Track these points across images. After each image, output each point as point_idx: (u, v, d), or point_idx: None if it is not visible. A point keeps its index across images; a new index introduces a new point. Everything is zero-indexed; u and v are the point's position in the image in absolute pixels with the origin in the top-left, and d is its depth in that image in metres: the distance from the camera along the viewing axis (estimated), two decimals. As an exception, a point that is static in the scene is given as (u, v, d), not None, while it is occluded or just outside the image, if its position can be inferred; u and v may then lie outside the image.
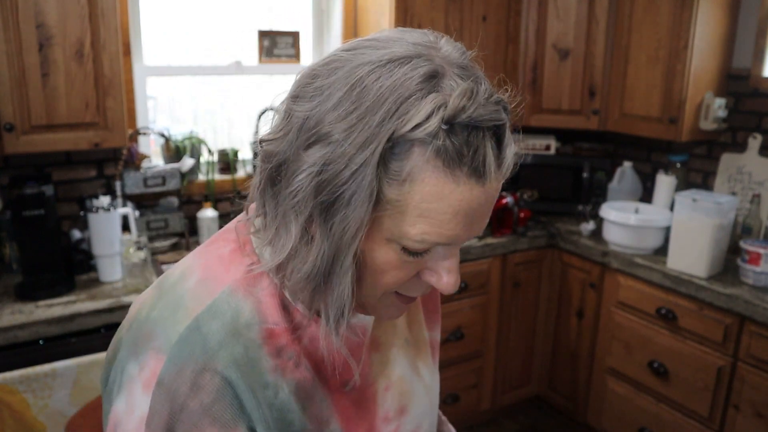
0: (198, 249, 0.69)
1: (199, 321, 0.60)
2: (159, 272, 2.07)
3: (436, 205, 0.53)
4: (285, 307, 0.64)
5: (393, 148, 0.52)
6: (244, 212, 0.68)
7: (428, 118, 0.51)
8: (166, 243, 2.32)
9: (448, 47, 0.57)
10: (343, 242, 0.55)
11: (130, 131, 2.23)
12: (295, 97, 0.57)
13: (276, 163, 0.58)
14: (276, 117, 0.60)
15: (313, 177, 0.54)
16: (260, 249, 0.65)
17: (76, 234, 2.12)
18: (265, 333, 0.62)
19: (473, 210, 0.55)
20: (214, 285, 0.63)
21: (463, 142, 0.52)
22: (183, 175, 2.38)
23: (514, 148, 0.57)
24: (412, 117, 0.51)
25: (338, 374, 0.68)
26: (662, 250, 2.36)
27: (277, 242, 0.60)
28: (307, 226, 0.57)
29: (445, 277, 0.59)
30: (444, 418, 1.00)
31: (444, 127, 0.51)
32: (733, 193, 2.46)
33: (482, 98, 0.53)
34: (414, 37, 0.57)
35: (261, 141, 0.60)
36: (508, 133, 0.56)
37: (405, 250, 0.56)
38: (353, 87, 0.53)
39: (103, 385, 0.65)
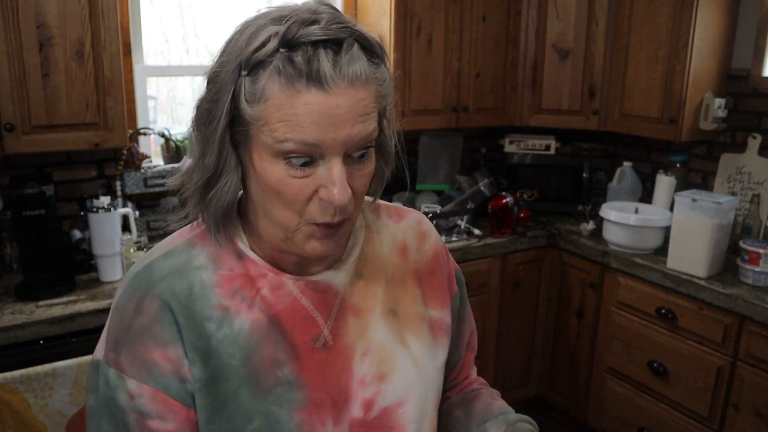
0: None
1: (153, 262, 0.74)
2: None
3: (288, 110, 0.62)
4: (239, 257, 0.74)
5: (249, 75, 0.63)
6: None
7: (264, 44, 0.62)
8: (166, 243, 2.32)
9: (311, 1, 0.67)
10: (208, 151, 0.67)
11: (130, 131, 2.24)
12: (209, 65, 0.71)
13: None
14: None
15: (204, 108, 0.67)
16: None
17: (77, 234, 2.12)
18: (219, 277, 0.73)
19: (325, 114, 0.62)
20: (177, 239, 0.77)
21: (300, 57, 0.61)
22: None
23: (363, 63, 0.64)
24: (253, 44, 0.62)
25: (300, 326, 0.74)
26: (662, 250, 2.36)
27: (184, 166, 0.73)
28: (199, 149, 0.69)
29: (332, 189, 0.64)
30: (493, 395, 0.98)
31: (282, 50, 0.62)
32: (733, 193, 2.46)
33: (322, 23, 0.62)
34: (285, 4, 0.68)
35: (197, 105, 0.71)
36: (350, 49, 0.63)
37: (288, 163, 0.64)
38: (228, 43, 0.67)
39: None
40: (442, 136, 2.89)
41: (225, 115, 0.64)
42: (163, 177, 2.28)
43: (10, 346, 1.68)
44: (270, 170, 0.65)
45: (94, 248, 1.95)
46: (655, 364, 2.25)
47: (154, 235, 2.31)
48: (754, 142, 2.40)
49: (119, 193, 2.21)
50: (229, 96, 0.64)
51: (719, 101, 2.36)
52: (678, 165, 2.62)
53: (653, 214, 2.46)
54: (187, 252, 0.74)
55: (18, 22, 1.76)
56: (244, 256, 0.74)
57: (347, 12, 2.65)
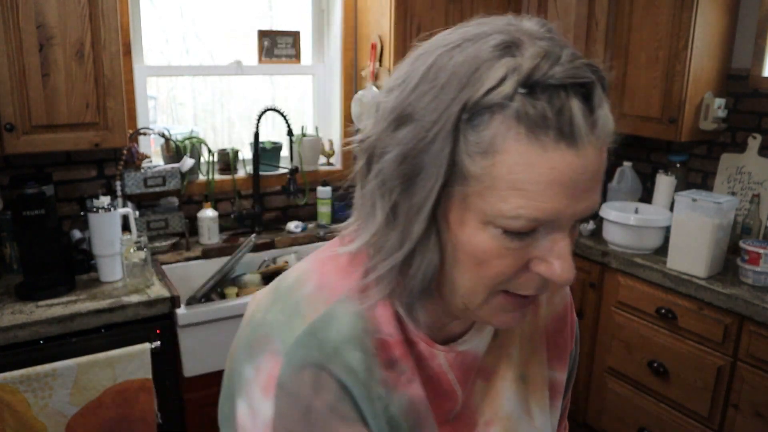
0: (313, 254, 0.67)
1: (314, 326, 0.59)
2: (159, 272, 2.07)
3: (526, 175, 0.48)
4: (399, 319, 0.62)
5: (471, 120, 0.49)
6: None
7: (501, 81, 0.48)
8: (166, 243, 2.32)
9: (529, 23, 0.54)
10: (417, 218, 0.53)
11: (130, 131, 2.24)
12: (385, 92, 0.57)
13: (368, 157, 0.56)
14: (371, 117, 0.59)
15: (397, 155, 0.52)
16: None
17: (77, 234, 2.12)
18: (378, 343, 0.60)
19: (571, 180, 0.49)
20: (330, 293, 0.61)
21: (545, 103, 0.48)
22: (183, 175, 2.38)
23: (608, 110, 0.52)
24: (485, 82, 0.48)
25: (440, 398, 0.64)
26: (662, 250, 2.36)
27: (365, 231, 0.57)
28: (391, 208, 0.54)
29: (555, 265, 0.52)
30: None
31: (522, 90, 0.48)
32: (733, 193, 2.46)
33: (565, 60, 0.49)
34: (492, 19, 0.55)
35: (360, 141, 0.58)
36: (598, 92, 0.51)
37: (506, 233, 0.51)
38: (430, 68, 0.52)
39: (224, 385, 0.63)
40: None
41: (443, 176, 0.50)
42: (163, 177, 2.29)
43: (10, 346, 1.68)
44: (476, 238, 0.52)
45: (94, 248, 1.95)
46: (655, 364, 2.25)
47: (154, 235, 2.31)
48: (754, 142, 2.40)
49: (119, 193, 2.21)
50: (450, 148, 0.50)
51: (719, 101, 2.36)
52: (678, 165, 2.62)
53: (653, 214, 2.46)
54: (351, 310, 0.60)
55: (18, 22, 1.76)
56: (402, 320, 0.62)
57: (347, 11, 2.65)
